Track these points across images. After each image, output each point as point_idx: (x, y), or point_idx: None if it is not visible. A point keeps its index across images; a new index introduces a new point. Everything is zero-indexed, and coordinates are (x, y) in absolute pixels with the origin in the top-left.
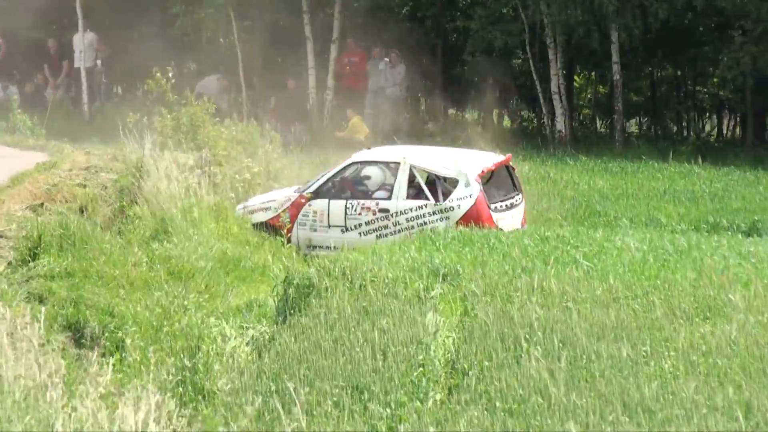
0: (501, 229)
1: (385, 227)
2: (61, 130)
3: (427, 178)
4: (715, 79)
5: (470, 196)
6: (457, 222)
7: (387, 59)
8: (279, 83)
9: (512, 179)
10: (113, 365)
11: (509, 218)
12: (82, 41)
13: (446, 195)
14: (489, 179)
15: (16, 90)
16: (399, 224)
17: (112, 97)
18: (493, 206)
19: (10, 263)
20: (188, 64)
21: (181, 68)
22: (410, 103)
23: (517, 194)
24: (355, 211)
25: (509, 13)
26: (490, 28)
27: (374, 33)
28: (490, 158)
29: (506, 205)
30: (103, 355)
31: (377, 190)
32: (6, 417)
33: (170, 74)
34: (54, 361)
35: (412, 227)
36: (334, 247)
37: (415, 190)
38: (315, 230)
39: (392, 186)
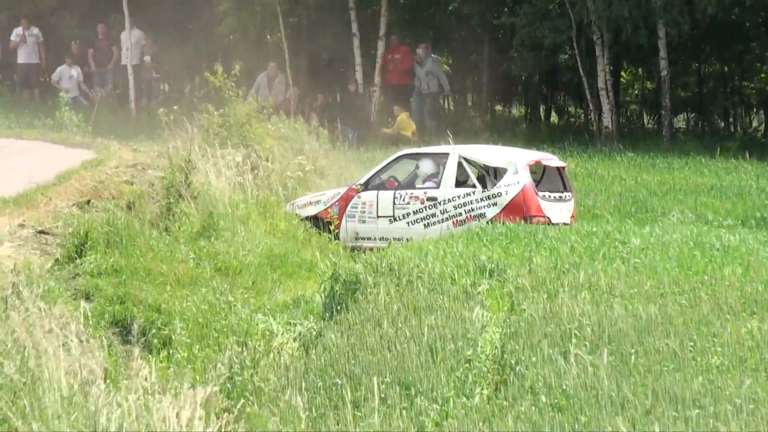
0: (548, 219)
1: (433, 215)
2: (108, 128)
3: (477, 174)
4: (762, 75)
5: (518, 183)
6: (504, 208)
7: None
8: (326, 80)
9: (563, 179)
10: (161, 361)
11: (557, 210)
12: (129, 38)
13: (494, 185)
14: (540, 178)
15: (78, 71)
16: (447, 212)
17: (159, 94)
18: (541, 194)
19: (57, 260)
20: (235, 61)
21: (228, 66)
22: (457, 100)
23: (567, 193)
24: (404, 200)
25: (555, 10)
26: (537, 24)
27: (421, 29)
28: (540, 154)
29: (555, 197)
30: (150, 351)
31: (426, 180)
32: (53, 414)
33: (234, 71)
34: (100, 357)
35: (460, 214)
36: (382, 238)
37: (463, 180)
38: (363, 222)
39: (441, 176)
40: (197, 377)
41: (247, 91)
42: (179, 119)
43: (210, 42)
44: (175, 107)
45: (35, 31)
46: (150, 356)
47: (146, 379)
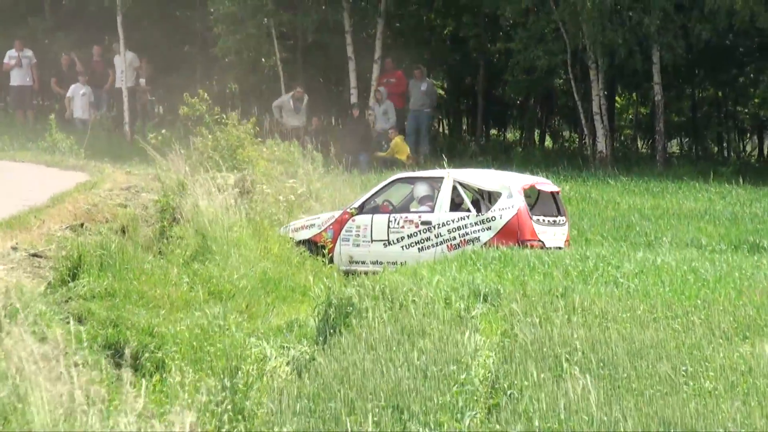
0: (542, 243)
1: (427, 239)
2: (102, 150)
3: (472, 198)
4: (756, 100)
5: (512, 206)
6: (498, 232)
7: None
8: (321, 104)
9: (557, 204)
10: (154, 385)
11: (551, 234)
12: (123, 61)
13: (489, 209)
14: (535, 203)
15: (89, 90)
16: (441, 236)
17: (154, 116)
18: (535, 218)
19: (50, 283)
20: (230, 83)
21: (223, 88)
22: (452, 124)
23: (561, 217)
24: (398, 224)
25: (550, 34)
26: (532, 48)
27: (416, 53)
28: (534, 178)
29: (549, 221)
30: (143, 375)
31: (420, 205)
32: None
33: (205, 96)
34: (92, 382)
35: (455, 238)
36: (376, 261)
37: (457, 205)
38: (358, 245)
39: (435, 200)
40: (190, 401)
41: (242, 113)
42: (171, 142)
43: (205, 64)
44: (163, 131)
45: (29, 53)
46: (143, 380)
47: (141, 404)
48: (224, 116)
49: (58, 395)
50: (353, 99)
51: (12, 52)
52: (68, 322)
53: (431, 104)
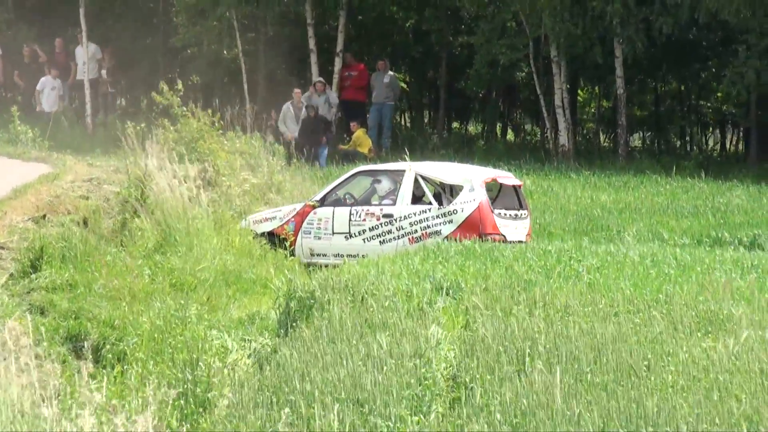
0: (504, 237)
1: (389, 232)
2: (64, 142)
3: (434, 191)
4: (719, 94)
5: (474, 200)
6: (460, 225)
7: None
8: (282, 96)
9: (518, 198)
10: (115, 377)
11: (513, 228)
12: (86, 53)
13: (450, 203)
14: (496, 196)
15: (60, 84)
16: (402, 229)
17: (116, 108)
18: (497, 212)
19: (11, 275)
20: (192, 75)
21: (185, 80)
22: (414, 117)
23: (523, 210)
24: (360, 217)
25: (512, 27)
26: (494, 42)
27: (378, 46)
28: (496, 171)
29: (511, 215)
30: (104, 367)
31: (382, 198)
32: (9, 429)
33: (178, 87)
34: (53, 374)
35: (416, 231)
36: (338, 254)
37: (419, 198)
38: (319, 238)
39: (397, 193)
40: (151, 393)
41: (204, 105)
42: (137, 134)
43: (167, 57)
44: (131, 123)
45: None
46: (104, 372)
47: (101, 397)
48: (186, 108)
49: (18, 389)
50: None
51: None
52: (30, 313)
53: (394, 97)
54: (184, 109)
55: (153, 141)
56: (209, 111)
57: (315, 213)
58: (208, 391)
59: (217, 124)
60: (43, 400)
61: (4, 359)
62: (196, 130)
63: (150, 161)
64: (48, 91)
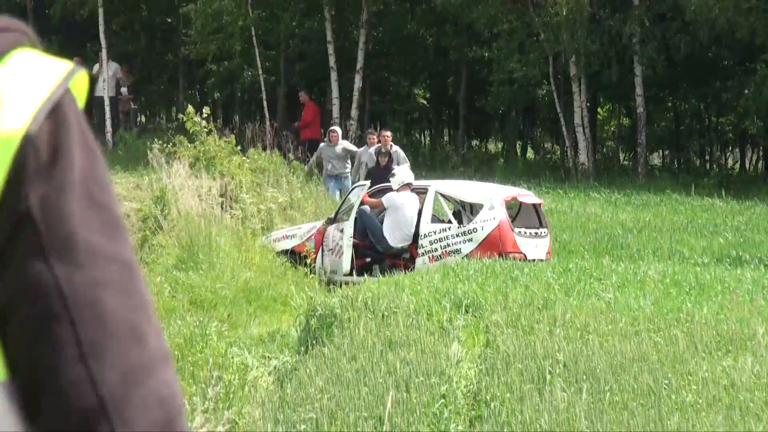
0: (524, 255)
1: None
2: None
3: (453, 209)
4: (739, 108)
5: (494, 218)
6: (480, 244)
7: None
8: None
9: (538, 216)
10: None
11: (533, 246)
12: (106, 70)
13: (470, 221)
14: (516, 215)
15: None
16: (423, 247)
17: (136, 125)
18: (517, 230)
19: None
20: (212, 92)
21: (204, 96)
22: (433, 134)
23: (543, 229)
24: None
25: (532, 45)
26: (512, 59)
27: (398, 62)
28: (516, 190)
29: (531, 233)
30: None
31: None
32: None
33: (204, 110)
34: None
35: (436, 249)
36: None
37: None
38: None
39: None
40: None
41: (224, 121)
42: (162, 151)
43: (187, 73)
44: (157, 140)
45: None
46: None
47: None
48: (206, 125)
49: None
50: (335, 110)
51: None
52: None
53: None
54: (206, 128)
55: (175, 158)
56: (230, 134)
57: (328, 231)
58: (228, 408)
59: (233, 142)
60: None
61: None
62: (216, 148)
63: (172, 178)
64: None
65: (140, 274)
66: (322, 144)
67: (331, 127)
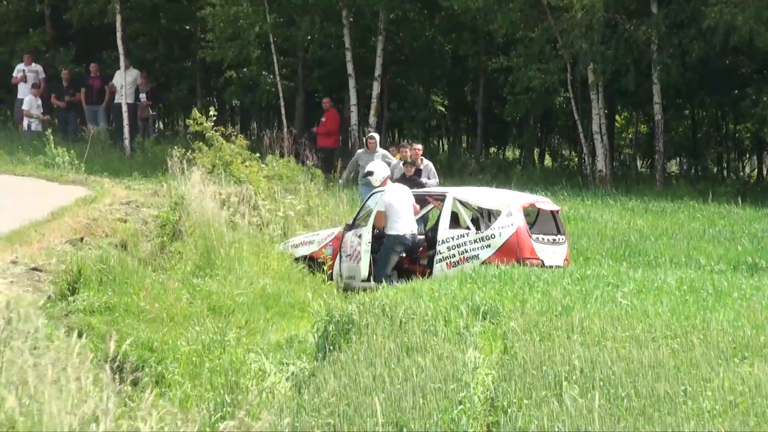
0: (542, 261)
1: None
2: (102, 165)
3: (471, 216)
4: (758, 117)
5: (512, 225)
6: (498, 250)
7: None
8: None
9: (556, 223)
10: (153, 401)
11: (551, 253)
12: (124, 77)
13: (488, 227)
14: (534, 221)
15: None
16: (441, 253)
17: (154, 131)
18: (534, 237)
19: (49, 297)
20: (229, 99)
21: (222, 103)
22: (451, 141)
23: (561, 236)
24: None
25: (549, 52)
26: (531, 66)
27: (416, 70)
28: (534, 196)
29: (548, 240)
30: (143, 390)
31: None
32: None
33: (211, 112)
34: (98, 396)
35: (454, 255)
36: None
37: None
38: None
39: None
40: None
41: (242, 128)
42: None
43: (204, 80)
44: (177, 147)
45: (37, 67)
46: (142, 395)
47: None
48: (222, 131)
49: (68, 409)
50: (353, 116)
51: (21, 66)
52: (68, 336)
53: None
54: (220, 132)
55: (193, 164)
56: (239, 135)
57: (346, 237)
58: (247, 415)
59: (251, 148)
60: (93, 421)
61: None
62: (233, 153)
63: (190, 184)
64: (35, 108)
65: None
66: (359, 150)
67: (370, 134)
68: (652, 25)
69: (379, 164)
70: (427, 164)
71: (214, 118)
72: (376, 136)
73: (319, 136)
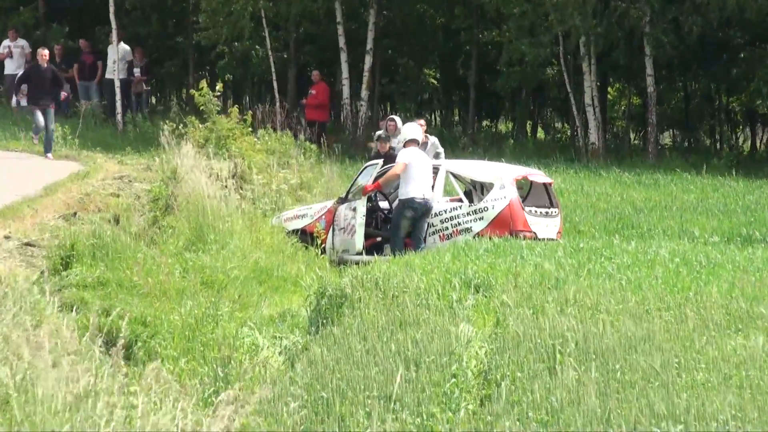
0: (535, 234)
1: None
2: (94, 140)
3: (464, 188)
4: (751, 87)
5: (504, 198)
6: (491, 223)
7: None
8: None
9: (549, 195)
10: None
11: (543, 226)
12: (116, 52)
13: (481, 200)
14: (527, 194)
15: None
16: (434, 225)
17: (147, 106)
18: (527, 209)
19: (42, 272)
20: (221, 73)
21: (214, 78)
22: (444, 115)
23: (554, 208)
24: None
25: (541, 25)
26: (522, 40)
27: (408, 43)
28: (527, 169)
29: (541, 213)
30: (136, 364)
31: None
32: (49, 425)
33: (218, 88)
34: (93, 370)
35: (447, 228)
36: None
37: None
38: (351, 235)
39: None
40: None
41: (234, 103)
42: (173, 133)
43: (197, 55)
44: (169, 121)
45: (22, 42)
46: (136, 369)
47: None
48: (219, 106)
49: (62, 382)
50: (345, 90)
51: (6, 42)
52: (62, 311)
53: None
54: (217, 105)
55: (186, 139)
56: (235, 108)
57: (339, 210)
58: (240, 389)
59: (247, 122)
60: (89, 395)
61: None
62: (226, 129)
63: (183, 159)
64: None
65: None
66: (378, 132)
67: (390, 116)
68: (644, 1)
69: (410, 127)
70: (433, 141)
71: (220, 93)
72: (397, 118)
73: (308, 109)
